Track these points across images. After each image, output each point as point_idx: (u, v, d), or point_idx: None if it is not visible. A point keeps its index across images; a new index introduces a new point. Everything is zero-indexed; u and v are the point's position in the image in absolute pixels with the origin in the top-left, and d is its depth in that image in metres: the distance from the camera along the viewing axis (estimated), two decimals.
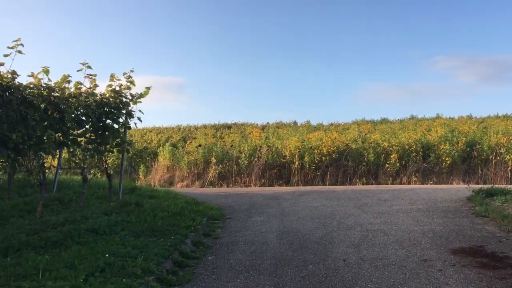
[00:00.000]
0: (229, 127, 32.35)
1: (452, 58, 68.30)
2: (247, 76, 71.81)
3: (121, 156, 11.35)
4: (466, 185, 16.20)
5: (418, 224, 8.67)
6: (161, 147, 18.76)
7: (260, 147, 18.20)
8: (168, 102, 73.51)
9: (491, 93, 67.55)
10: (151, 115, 73.63)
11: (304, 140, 18.39)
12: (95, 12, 68.16)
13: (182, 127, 32.07)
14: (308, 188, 14.92)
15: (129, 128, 10.64)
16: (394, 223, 8.81)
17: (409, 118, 32.89)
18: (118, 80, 10.00)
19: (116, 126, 10.16)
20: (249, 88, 70.04)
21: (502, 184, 16.85)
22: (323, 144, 17.81)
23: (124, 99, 10.14)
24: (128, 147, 11.01)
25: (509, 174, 17.04)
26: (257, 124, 33.15)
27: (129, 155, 19.70)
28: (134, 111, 10.44)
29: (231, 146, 18.95)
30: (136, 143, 20.69)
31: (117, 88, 9.95)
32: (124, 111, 10.23)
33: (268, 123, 33.54)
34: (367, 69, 68.51)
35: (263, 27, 70.34)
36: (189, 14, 70.87)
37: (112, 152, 10.51)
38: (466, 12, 63.96)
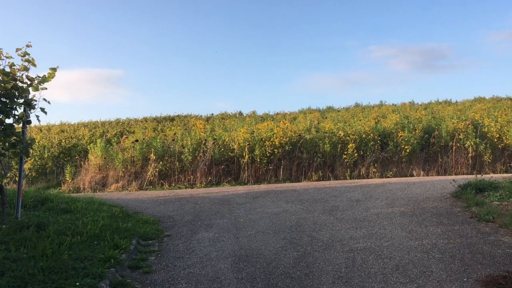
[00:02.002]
0: (172, 119, 29.31)
1: (386, 47, 68.13)
2: (188, 68, 68.47)
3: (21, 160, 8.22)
4: (433, 176, 14.37)
5: (413, 237, 6.38)
6: (91, 144, 15.63)
7: (205, 140, 15.50)
8: (108, 96, 68.93)
9: (423, 80, 68.04)
10: (89, 109, 68.44)
11: (254, 131, 15.86)
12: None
13: (121, 121, 28.69)
14: (263, 187, 12.39)
15: (29, 123, 7.59)
16: (383, 237, 6.48)
17: (354, 106, 31.23)
18: (9, 58, 7.00)
19: (9, 120, 7.15)
20: (192, 80, 66.83)
21: (463, 172, 15.17)
22: (274, 135, 15.37)
23: (20, 84, 7.15)
24: (30, 149, 7.93)
25: (470, 161, 15.35)
26: (201, 116, 30.30)
27: (54, 154, 16.45)
28: (36, 101, 7.40)
29: (173, 140, 16.13)
30: (64, 140, 17.40)
31: (7, 69, 6.95)
32: (20, 100, 7.23)
33: (212, 114, 30.77)
34: (306, 59, 67.11)
35: (203, 19, 67.21)
36: (126, 5, 66.45)
37: (4, 155, 7.44)
38: (396, 2, 63.67)
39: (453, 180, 9.17)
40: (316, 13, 66.32)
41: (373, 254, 5.72)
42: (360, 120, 18.56)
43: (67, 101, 65.00)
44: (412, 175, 14.97)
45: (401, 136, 15.51)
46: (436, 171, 15.22)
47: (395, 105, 30.39)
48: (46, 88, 7.54)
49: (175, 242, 6.92)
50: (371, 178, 14.63)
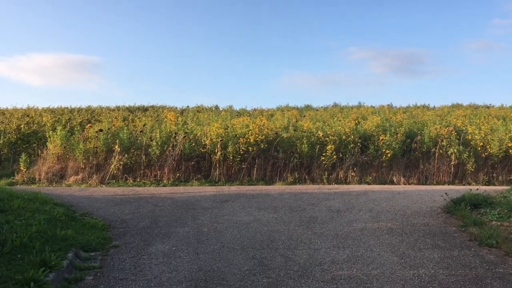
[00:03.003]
0: (145, 109, 27.69)
1: (365, 49, 67.48)
2: (167, 60, 66.45)
3: None
4: (418, 186, 13.38)
5: (407, 264, 5.22)
6: (51, 132, 14.06)
7: (176, 133, 14.13)
8: (83, 83, 66.35)
9: (400, 84, 67.66)
10: (62, 95, 65.62)
11: (228, 127, 14.57)
12: None
13: (92, 108, 26.95)
14: (233, 189, 11.09)
15: None
16: (370, 262, 5.30)
17: (333, 106, 30.14)
18: None
19: None
20: (170, 71, 64.88)
21: (445, 180, 14.21)
22: (249, 131, 14.11)
23: None
24: None
25: (452, 170, 14.40)
26: (176, 108, 28.71)
27: (11, 141, 14.82)
28: None
29: (141, 131, 14.70)
30: (23, 126, 15.74)
31: None
32: None
33: (188, 106, 29.23)
34: (286, 58, 65.93)
35: (186, 11, 65.32)
36: None
37: None
38: (374, 4, 63.03)
39: (445, 193, 8.07)
40: (298, 13, 65.14)
41: (360, 286, 4.54)
42: (339, 121, 17.44)
43: (39, 85, 62.27)
44: (392, 181, 13.93)
45: (382, 139, 14.45)
46: (417, 178, 14.21)
47: (374, 107, 29.42)
48: None
49: (122, 256, 5.61)
50: (349, 182, 13.53)
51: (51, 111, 24.14)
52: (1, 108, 25.28)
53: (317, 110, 27.41)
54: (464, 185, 13.77)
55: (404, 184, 13.71)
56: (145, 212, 7.92)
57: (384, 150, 14.19)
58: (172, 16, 65.48)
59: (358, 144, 14.46)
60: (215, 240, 6.27)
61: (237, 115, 21.98)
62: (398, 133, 14.96)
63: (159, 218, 7.51)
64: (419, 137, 14.87)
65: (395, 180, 14.04)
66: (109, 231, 6.79)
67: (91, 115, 22.28)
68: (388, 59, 69.22)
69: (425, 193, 9.82)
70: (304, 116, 21.56)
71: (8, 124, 15.81)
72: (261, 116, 18.09)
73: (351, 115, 20.96)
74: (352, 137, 14.43)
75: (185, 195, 9.61)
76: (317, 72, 66.06)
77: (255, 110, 27.66)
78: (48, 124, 16.49)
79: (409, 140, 14.96)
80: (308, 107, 29.30)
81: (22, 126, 15.57)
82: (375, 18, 63.58)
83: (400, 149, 14.53)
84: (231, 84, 62.24)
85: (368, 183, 13.50)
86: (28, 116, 20.76)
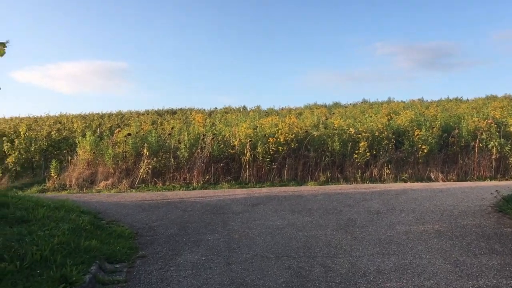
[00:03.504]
0: (174, 112, 27.53)
1: (391, 44, 65.97)
2: (193, 62, 66.64)
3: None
4: (461, 182, 12.54)
5: (463, 273, 4.57)
6: (80, 137, 13.87)
7: (204, 135, 13.71)
8: (112, 88, 67.27)
9: (429, 78, 65.85)
10: (93, 102, 66.63)
11: (257, 127, 14.05)
12: None
13: (122, 113, 26.94)
14: (264, 190, 10.53)
15: None
16: (421, 271, 4.67)
17: (362, 102, 29.28)
18: None
19: None
20: (196, 74, 65.03)
21: (486, 175, 13.30)
22: (279, 131, 13.55)
23: None
24: None
25: (494, 164, 13.47)
26: (204, 110, 28.47)
27: (42, 147, 14.72)
28: None
29: (169, 134, 14.35)
30: (54, 132, 15.65)
31: None
32: None
33: (216, 108, 28.93)
34: (311, 56, 65.09)
35: (209, 13, 65.33)
36: None
37: None
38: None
39: (496, 190, 7.33)
40: (322, 10, 64.21)
41: None
42: (370, 117, 16.67)
43: (70, 93, 63.51)
44: (429, 178, 13.12)
45: (417, 134, 13.64)
46: (456, 174, 13.34)
47: (404, 102, 28.43)
48: None
49: (149, 267, 5.16)
50: (384, 180, 12.81)
51: (83, 117, 24.21)
52: (35, 116, 25.52)
53: (346, 107, 26.65)
54: (507, 180, 12.86)
55: (443, 180, 12.88)
56: (173, 218, 7.47)
57: (420, 146, 13.40)
58: (197, 19, 65.62)
59: (392, 140, 13.70)
60: (247, 248, 5.75)
61: (265, 114, 21.46)
62: (434, 127, 14.13)
63: (187, 224, 7.05)
64: (456, 131, 14.00)
65: (432, 176, 13.23)
66: (136, 239, 6.37)
67: (121, 120, 22.19)
68: (415, 53, 67.47)
69: (469, 190, 9.05)
70: (333, 113, 20.84)
71: (40, 131, 15.74)
72: (290, 115, 17.47)
73: (382, 110, 20.12)
74: (385, 133, 13.69)
75: (215, 199, 9.13)
76: (343, 69, 64.99)
77: (282, 109, 27.10)
78: (79, 130, 16.36)
79: (445, 135, 14.11)
80: (336, 104, 28.54)
81: (53, 132, 15.47)
82: (400, 12, 62.01)
83: (437, 144, 13.71)
84: (257, 84, 61.91)
85: (404, 181, 12.74)
86: (60, 123, 20.81)
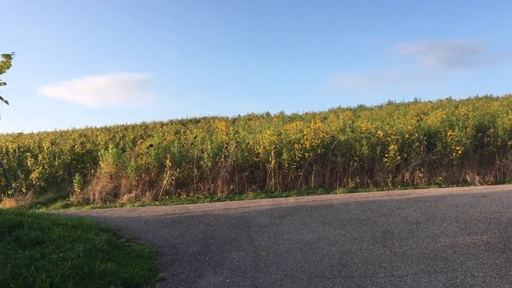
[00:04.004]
0: (197, 121, 27.24)
1: (414, 44, 64.53)
2: (216, 71, 66.65)
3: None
4: (503, 185, 11.66)
5: None
6: (103, 150, 13.57)
7: (227, 144, 13.22)
8: (136, 100, 67.92)
9: (455, 76, 64.08)
10: (118, 114, 67.37)
11: (281, 133, 13.49)
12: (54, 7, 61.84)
13: (146, 124, 26.79)
14: (291, 200, 9.90)
15: None
16: None
17: (387, 104, 28.38)
18: None
19: None
20: (219, 82, 64.99)
21: None
22: (304, 136, 12.95)
23: None
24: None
25: None
26: (227, 118, 28.06)
27: (65, 161, 14.49)
28: None
29: (192, 144, 13.91)
30: (77, 146, 15.43)
31: None
32: None
33: (239, 115, 28.50)
34: (332, 59, 64.24)
35: (229, 22, 65.27)
36: (151, 10, 65.13)
37: None
38: None
39: None
40: (342, 11, 63.34)
41: None
42: (398, 118, 15.89)
43: (96, 106, 64.38)
44: (465, 181, 12.27)
45: (450, 135, 12.83)
46: (493, 176, 12.44)
47: (431, 101, 27.43)
48: (4, 83, 5.42)
49: None
50: (416, 184, 12.04)
51: (107, 129, 24.12)
52: (61, 130, 25.59)
53: (371, 110, 25.84)
54: None
55: (480, 183, 12.02)
56: (196, 234, 6.96)
57: (453, 147, 12.58)
58: (220, 26, 65.63)
59: (424, 142, 12.91)
60: (275, 267, 5.18)
61: (289, 120, 20.90)
62: (467, 127, 13.28)
63: (211, 240, 6.52)
64: (491, 130, 13.12)
65: (468, 179, 12.37)
66: (156, 259, 5.87)
67: (144, 131, 21.96)
68: (439, 52, 65.80)
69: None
70: (359, 116, 20.14)
71: (63, 146, 15.56)
72: (315, 119, 16.84)
73: (410, 111, 19.27)
74: (416, 135, 12.92)
75: (239, 211, 8.58)
76: (366, 70, 63.91)
77: (306, 114, 26.47)
78: (102, 142, 16.11)
79: (480, 134, 13.24)
80: (361, 107, 27.75)
81: (76, 146, 15.25)
82: (421, 11, 60.59)
83: (471, 144, 12.86)
84: (280, 89, 61.37)
85: (439, 184, 11.93)
86: (85, 136, 20.70)
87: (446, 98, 28.46)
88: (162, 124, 26.52)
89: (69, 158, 14.54)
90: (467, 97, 28.32)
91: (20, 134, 26.88)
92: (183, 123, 26.86)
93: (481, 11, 62.68)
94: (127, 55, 68.28)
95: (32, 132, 27.34)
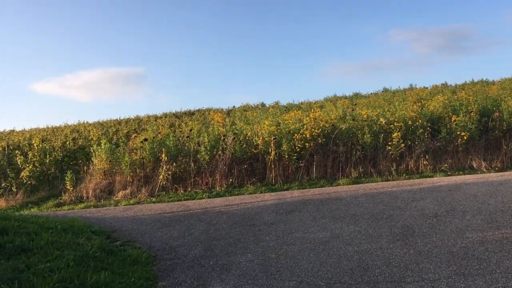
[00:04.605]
0: (192, 114, 26.53)
1: (405, 30, 63.95)
2: (208, 63, 65.77)
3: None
4: (498, 169, 11.10)
5: None
6: (95, 146, 12.86)
7: (224, 136, 12.57)
8: (129, 94, 67.00)
9: (448, 62, 63.66)
10: (110, 108, 66.41)
11: (280, 123, 12.85)
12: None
13: (140, 118, 26.05)
14: (296, 194, 9.25)
15: None
16: None
17: (383, 91, 27.80)
18: None
19: None
20: (212, 74, 64.17)
21: None
22: (304, 126, 12.33)
23: None
24: None
25: None
26: (222, 109, 27.39)
27: (57, 158, 13.77)
28: None
29: (187, 137, 13.24)
30: (69, 142, 14.70)
31: None
32: None
33: (234, 107, 27.82)
34: (325, 48, 63.54)
35: (222, 11, 64.30)
36: (142, 3, 63.97)
37: None
38: None
39: None
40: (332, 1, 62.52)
41: None
42: (399, 105, 15.30)
43: (88, 101, 63.37)
44: (471, 167, 11.72)
45: (455, 120, 12.27)
46: (500, 161, 11.90)
47: (427, 87, 26.88)
48: None
49: None
50: (421, 172, 11.47)
51: (100, 124, 23.36)
52: (52, 126, 24.79)
53: (367, 97, 25.24)
54: None
55: (486, 169, 11.48)
56: (197, 234, 6.34)
57: (458, 133, 12.01)
58: (209, 19, 64.66)
59: (428, 128, 12.33)
60: (288, 272, 4.58)
61: (285, 110, 20.24)
62: (471, 111, 12.72)
63: (214, 242, 5.90)
64: (497, 114, 12.57)
65: (474, 165, 11.82)
66: (155, 264, 5.25)
67: (138, 125, 21.23)
68: (431, 38, 65.32)
69: None
70: (355, 104, 19.51)
71: (54, 142, 14.83)
72: (315, 108, 16.21)
73: (408, 97, 18.68)
74: (419, 121, 12.34)
75: (242, 207, 7.95)
76: (358, 59, 63.33)
77: (302, 103, 25.83)
78: (94, 138, 15.39)
79: (485, 119, 12.69)
80: (357, 95, 27.15)
81: (68, 142, 14.53)
82: None
83: (477, 129, 12.30)
84: (273, 80, 60.67)
85: (445, 171, 11.36)
86: (77, 131, 19.95)
87: (442, 84, 27.95)
88: (156, 118, 25.78)
89: (61, 154, 13.82)
90: (462, 82, 27.81)
91: (12, 131, 26.06)
92: (177, 116, 26.15)
93: None
94: (119, 49, 67.17)
95: (24, 129, 26.53)
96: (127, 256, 5.44)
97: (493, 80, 27.22)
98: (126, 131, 17.46)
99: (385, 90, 27.74)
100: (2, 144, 14.41)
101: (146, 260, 5.35)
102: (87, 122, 24.77)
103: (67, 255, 5.09)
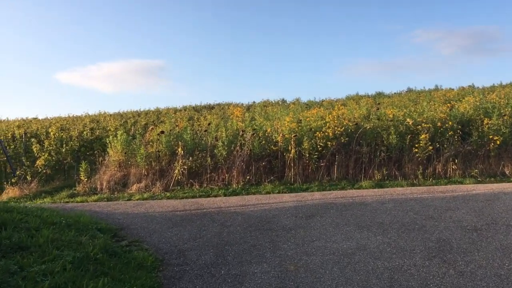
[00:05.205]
0: (211, 107, 26.03)
1: (430, 30, 62.24)
2: (230, 57, 65.24)
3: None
4: None
5: None
6: (111, 137, 12.44)
7: (243, 131, 11.99)
8: (151, 86, 67.03)
9: (473, 64, 61.80)
10: (133, 100, 66.53)
11: (301, 120, 12.20)
12: None
13: (160, 110, 25.66)
14: (317, 196, 8.57)
15: None
16: None
17: (407, 91, 26.80)
18: None
19: None
20: (233, 69, 63.64)
21: None
22: (327, 124, 11.65)
23: None
24: None
25: None
26: (242, 104, 26.79)
27: (74, 148, 13.40)
28: None
29: (205, 131, 12.70)
30: (86, 132, 14.32)
31: None
32: None
33: (254, 102, 27.18)
34: (348, 46, 62.35)
35: (244, 8, 63.65)
36: None
37: None
38: None
39: None
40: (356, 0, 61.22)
41: None
42: (428, 105, 14.45)
43: (110, 92, 63.61)
44: (503, 174, 10.89)
45: (487, 124, 11.42)
46: None
47: (453, 89, 25.78)
48: None
49: None
50: (450, 177, 10.68)
51: (120, 115, 23.03)
52: (73, 115, 24.60)
53: (390, 97, 24.33)
54: None
55: None
56: (209, 237, 5.77)
57: (491, 137, 11.17)
58: (231, 15, 64.09)
59: (458, 131, 11.52)
60: None
61: (306, 107, 19.55)
62: (505, 115, 11.85)
63: (227, 247, 5.31)
64: None
65: (507, 172, 10.96)
66: (161, 270, 4.70)
67: (157, 117, 20.81)
68: (457, 39, 63.48)
69: None
70: (379, 103, 18.69)
71: (72, 131, 14.47)
72: (338, 105, 15.48)
73: (436, 98, 17.78)
74: (449, 123, 11.53)
75: (259, 208, 7.35)
76: (382, 58, 61.96)
77: (323, 101, 25.06)
78: (112, 128, 14.98)
79: None
80: (380, 94, 26.24)
81: (85, 132, 14.15)
82: None
83: (510, 133, 11.44)
84: (295, 77, 59.86)
85: (475, 178, 10.56)
86: (97, 121, 19.64)
87: (469, 86, 26.78)
88: (175, 110, 25.34)
89: (77, 144, 13.45)
90: (490, 85, 26.58)
91: (35, 119, 26.00)
92: (196, 109, 25.66)
93: None
94: (142, 41, 67.17)
95: (46, 117, 26.44)
96: (131, 259, 4.90)
97: None
98: (144, 123, 17.03)
99: (410, 90, 26.74)
100: (20, 131, 14.11)
101: (152, 265, 4.80)
102: (107, 113, 24.52)
103: (65, 256, 4.58)
